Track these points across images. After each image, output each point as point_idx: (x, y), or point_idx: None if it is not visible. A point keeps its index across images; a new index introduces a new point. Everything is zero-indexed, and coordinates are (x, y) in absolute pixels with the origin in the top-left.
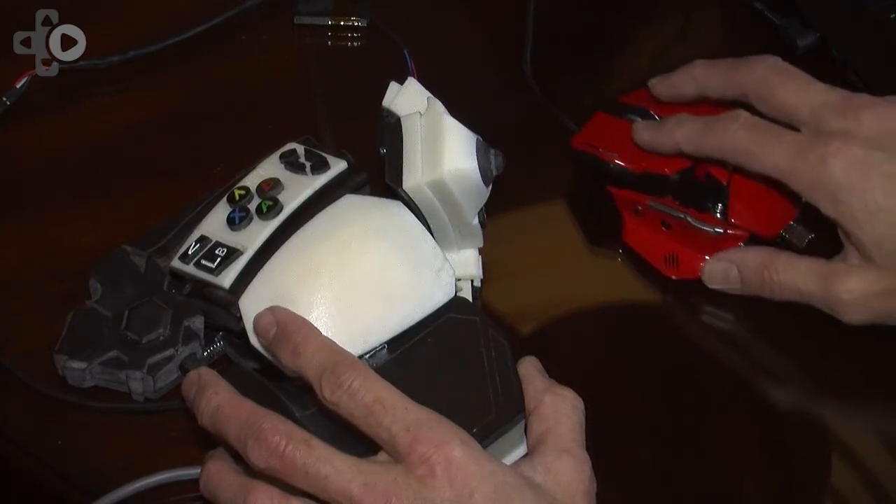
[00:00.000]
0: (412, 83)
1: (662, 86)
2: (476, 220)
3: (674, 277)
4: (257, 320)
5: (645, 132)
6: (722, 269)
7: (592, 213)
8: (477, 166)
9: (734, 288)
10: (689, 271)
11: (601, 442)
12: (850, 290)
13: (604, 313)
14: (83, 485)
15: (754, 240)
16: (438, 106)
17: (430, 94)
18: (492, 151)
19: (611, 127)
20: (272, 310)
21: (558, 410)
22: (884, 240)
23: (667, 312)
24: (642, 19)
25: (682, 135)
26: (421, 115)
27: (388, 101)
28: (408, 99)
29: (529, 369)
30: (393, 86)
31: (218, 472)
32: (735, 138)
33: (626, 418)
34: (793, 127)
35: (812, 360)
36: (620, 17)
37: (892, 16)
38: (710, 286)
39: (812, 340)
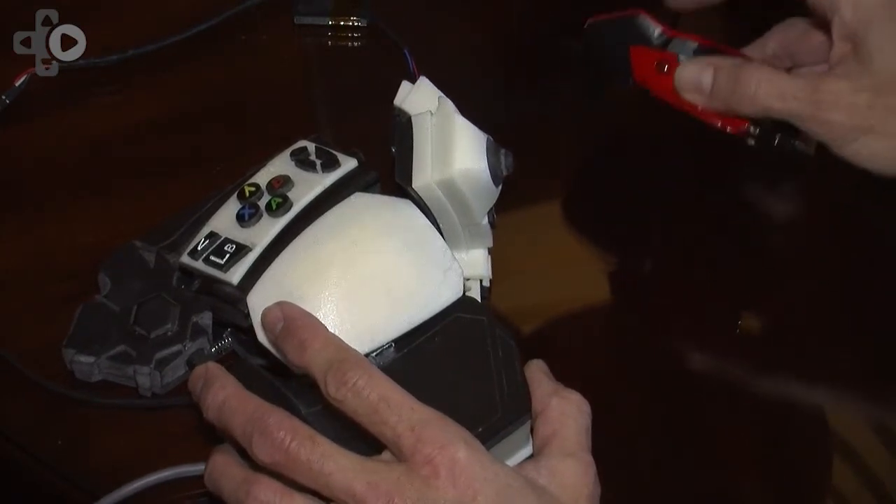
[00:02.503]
0: (424, 82)
1: None
2: (485, 220)
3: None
4: (265, 315)
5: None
6: (696, 69)
7: (596, 213)
8: (487, 166)
9: (703, 92)
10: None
11: (602, 442)
12: (839, 90)
13: (608, 313)
14: (86, 482)
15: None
16: (449, 105)
17: (441, 94)
18: (502, 151)
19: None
20: (280, 305)
21: (564, 413)
22: (892, 51)
23: (671, 313)
24: None
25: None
26: (432, 114)
27: (399, 100)
28: (419, 98)
29: (536, 372)
30: (405, 85)
31: (223, 465)
32: None
33: (627, 419)
34: None
35: (815, 359)
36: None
37: None
38: (680, 92)
39: (816, 339)
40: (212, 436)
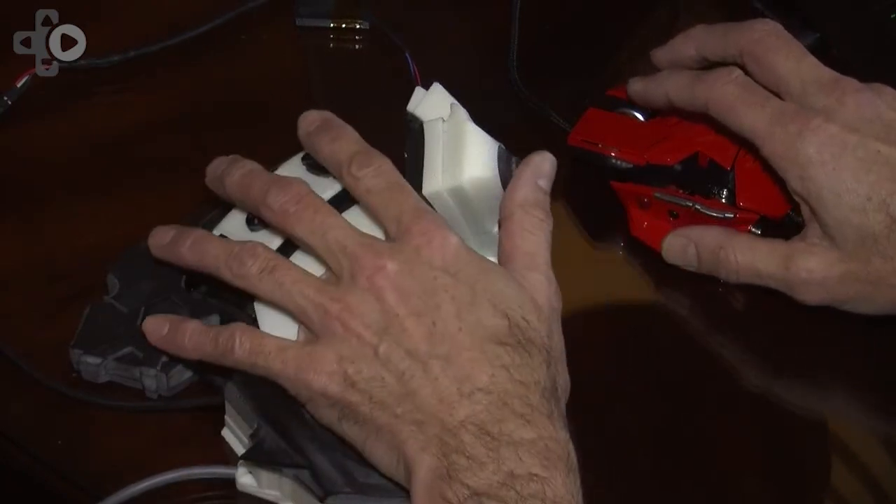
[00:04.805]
0: (438, 89)
1: (662, 51)
2: (496, 229)
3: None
4: (306, 115)
5: (638, 83)
6: (680, 245)
7: (594, 213)
8: (497, 174)
9: (691, 265)
10: None
11: (603, 444)
12: (809, 269)
13: (608, 313)
14: (88, 483)
15: (763, 221)
16: (462, 113)
17: (454, 101)
18: (514, 160)
19: (605, 122)
20: (322, 112)
21: (524, 228)
22: (846, 222)
23: (672, 312)
24: (640, 19)
25: (673, 85)
26: (444, 121)
27: (412, 106)
28: (432, 104)
29: (520, 174)
30: (418, 91)
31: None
32: (723, 92)
33: (629, 420)
34: (779, 95)
35: (817, 360)
36: (616, 15)
37: (893, 16)
38: (668, 261)
39: (818, 340)
40: (213, 435)
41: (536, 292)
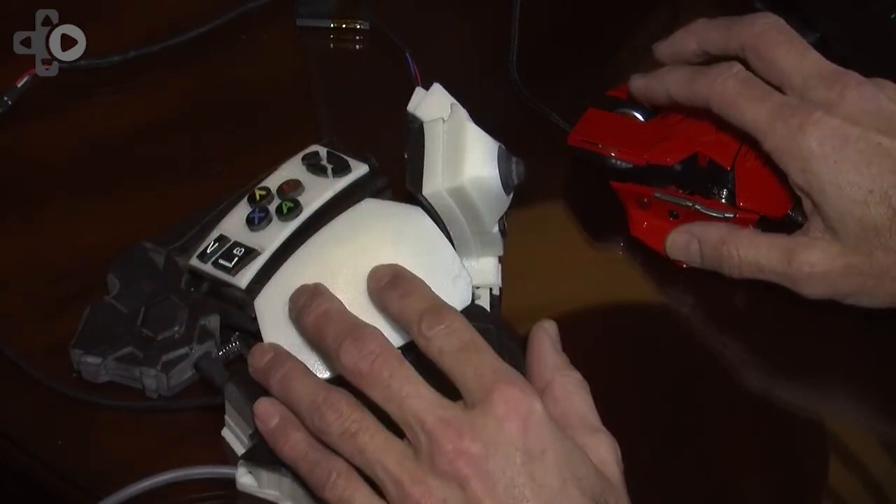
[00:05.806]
0: (438, 89)
1: (664, 45)
2: (496, 229)
3: (684, 266)
4: (375, 270)
5: (639, 80)
6: (683, 241)
7: (594, 213)
8: (498, 174)
9: (694, 261)
10: None
11: None
12: (812, 262)
13: (608, 313)
14: (87, 484)
15: (763, 221)
16: (462, 113)
17: (454, 101)
18: (513, 160)
19: (605, 122)
20: (390, 265)
21: (569, 391)
22: (849, 215)
23: (672, 311)
24: (640, 19)
25: (674, 81)
26: (444, 121)
27: (412, 107)
28: (432, 104)
29: (543, 342)
30: (418, 91)
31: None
32: (724, 86)
33: (627, 418)
34: (780, 89)
35: (817, 360)
36: (616, 15)
37: (893, 16)
38: (672, 257)
39: (818, 339)
40: (213, 437)
41: (606, 454)
